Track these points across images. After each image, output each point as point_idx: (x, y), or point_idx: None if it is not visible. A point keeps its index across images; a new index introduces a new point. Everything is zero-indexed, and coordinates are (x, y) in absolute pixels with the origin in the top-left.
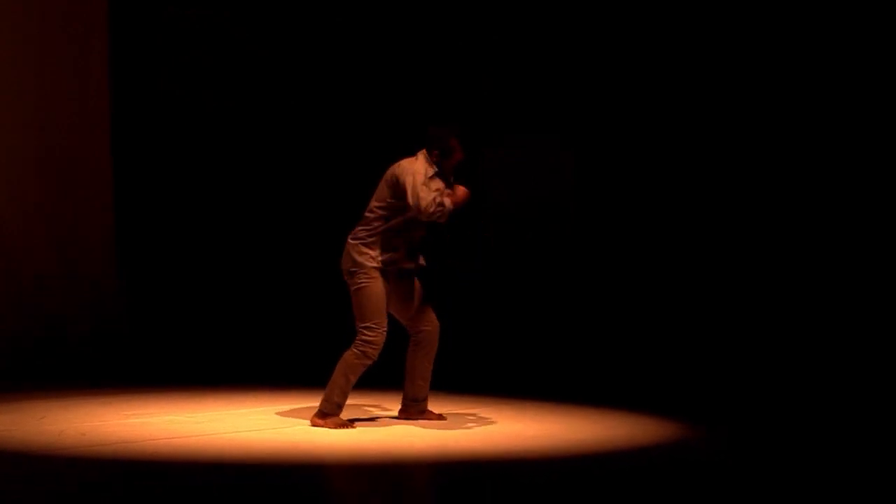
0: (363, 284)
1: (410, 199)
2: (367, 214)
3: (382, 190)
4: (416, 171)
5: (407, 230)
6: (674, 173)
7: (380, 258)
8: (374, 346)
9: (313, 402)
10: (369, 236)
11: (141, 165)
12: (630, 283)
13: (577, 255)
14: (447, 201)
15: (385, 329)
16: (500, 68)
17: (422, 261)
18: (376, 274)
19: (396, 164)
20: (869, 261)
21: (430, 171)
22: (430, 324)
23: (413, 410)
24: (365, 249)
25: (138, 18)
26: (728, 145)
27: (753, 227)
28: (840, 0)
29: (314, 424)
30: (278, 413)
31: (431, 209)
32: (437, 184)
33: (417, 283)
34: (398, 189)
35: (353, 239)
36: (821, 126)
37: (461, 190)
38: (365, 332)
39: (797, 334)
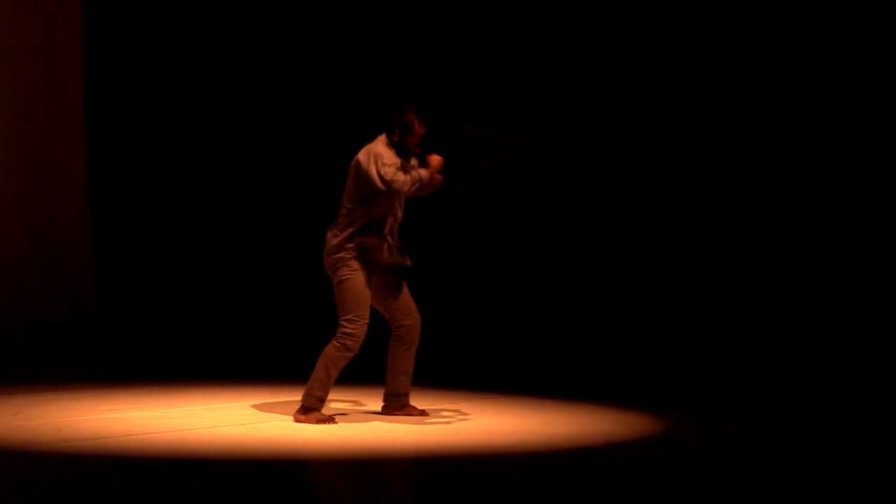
0: (345, 277)
1: (377, 181)
2: (342, 210)
3: (350, 184)
4: (376, 153)
5: (383, 217)
6: (674, 173)
7: (360, 247)
8: (354, 339)
9: (289, 396)
10: (348, 227)
11: (140, 164)
12: (624, 281)
13: (576, 255)
14: (423, 172)
15: (366, 322)
16: (499, 68)
17: (408, 261)
18: (358, 266)
19: (357, 155)
20: (867, 259)
21: (393, 156)
22: (412, 318)
23: (395, 406)
24: (345, 243)
25: (138, 18)
26: (728, 144)
27: (751, 226)
28: (840, 0)
29: (297, 420)
30: (255, 408)
31: (401, 180)
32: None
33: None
34: (363, 176)
35: (332, 234)
36: (819, 120)
37: (435, 158)
38: (346, 324)
39: (785, 332)
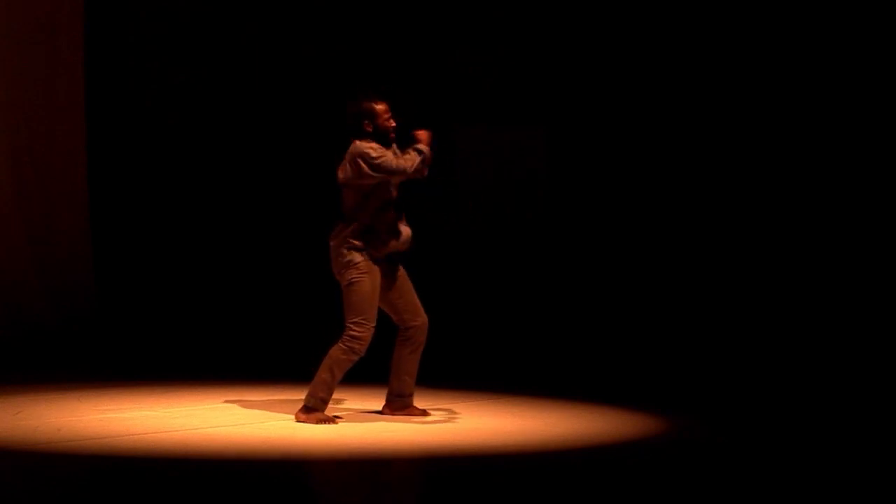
0: (355, 280)
1: (380, 173)
2: (344, 216)
3: (346, 193)
4: (361, 153)
5: (387, 212)
6: (675, 172)
7: (367, 249)
8: (361, 342)
9: (290, 395)
10: (355, 234)
11: (139, 167)
12: (606, 272)
13: (551, 243)
14: (421, 147)
15: (373, 325)
16: (474, 55)
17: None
18: (368, 269)
19: (342, 161)
20: (867, 258)
21: (378, 146)
22: (420, 319)
23: (397, 406)
24: (351, 245)
25: (138, 20)
26: (703, 129)
27: (732, 212)
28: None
29: (298, 420)
30: (256, 407)
31: (404, 162)
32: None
33: (407, 277)
34: (358, 171)
35: (335, 240)
36: (796, 105)
37: (423, 133)
38: (353, 327)
39: (785, 331)
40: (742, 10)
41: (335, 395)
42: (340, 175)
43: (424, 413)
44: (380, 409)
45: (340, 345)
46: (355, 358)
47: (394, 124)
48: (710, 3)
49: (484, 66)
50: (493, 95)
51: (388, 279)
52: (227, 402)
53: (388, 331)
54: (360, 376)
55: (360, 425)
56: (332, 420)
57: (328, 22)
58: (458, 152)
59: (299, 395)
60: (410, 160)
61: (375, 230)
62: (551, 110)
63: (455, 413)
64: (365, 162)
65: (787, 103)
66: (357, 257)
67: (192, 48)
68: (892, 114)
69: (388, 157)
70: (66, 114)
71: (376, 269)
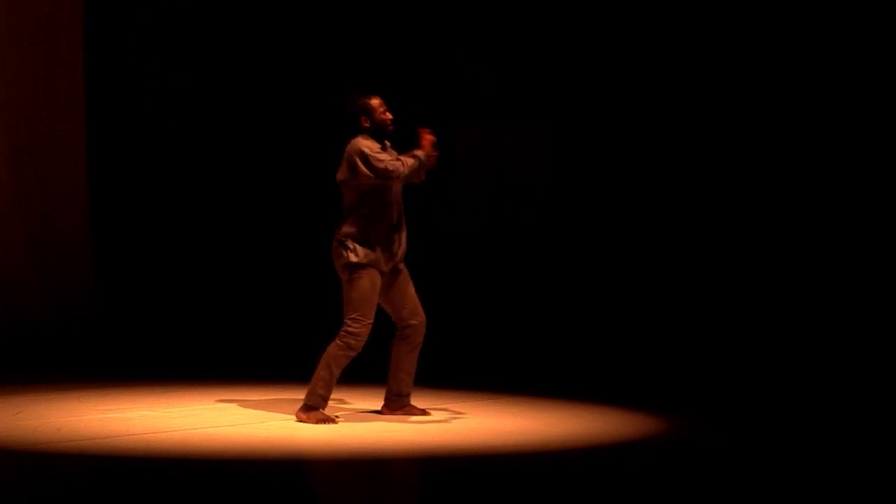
0: (355, 276)
1: (373, 175)
2: (345, 213)
3: (347, 190)
4: (360, 150)
5: (387, 212)
6: (677, 173)
7: (370, 254)
8: (357, 338)
9: (290, 395)
10: (355, 231)
11: (139, 167)
12: (606, 272)
13: (549, 244)
14: (418, 153)
15: (370, 322)
16: (474, 55)
17: (399, 259)
18: (371, 270)
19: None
20: (866, 257)
21: (376, 146)
22: (418, 317)
23: (396, 405)
24: (354, 246)
25: (138, 21)
26: (703, 129)
27: (731, 212)
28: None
29: (298, 419)
30: (256, 407)
31: (398, 166)
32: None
33: (408, 276)
34: (355, 170)
35: (339, 237)
36: (796, 105)
37: (427, 137)
38: (350, 323)
39: (777, 321)
40: (742, 10)
41: (335, 395)
42: (339, 175)
43: (424, 412)
44: (379, 409)
45: (337, 341)
46: (352, 354)
47: (390, 117)
48: (710, 3)
49: (484, 66)
50: (493, 95)
51: (390, 277)
52: (226, 402)
53: (388, 330)
54: (360, 376)
55: (360, 425)
56: (332, 420)
57: (328, 22)
58: (458, 152)
59: (298, 395)
60: (403, 164)
61: (372, 232)
62: (551, 110)
63: (455, 413)
64: (361, 160)
65: (787, 103)
66: (354, 256)
67: (192, 48)
68: (892, 114)
69: (384, 159)
70: (66, 114)
71: (375, 267)
